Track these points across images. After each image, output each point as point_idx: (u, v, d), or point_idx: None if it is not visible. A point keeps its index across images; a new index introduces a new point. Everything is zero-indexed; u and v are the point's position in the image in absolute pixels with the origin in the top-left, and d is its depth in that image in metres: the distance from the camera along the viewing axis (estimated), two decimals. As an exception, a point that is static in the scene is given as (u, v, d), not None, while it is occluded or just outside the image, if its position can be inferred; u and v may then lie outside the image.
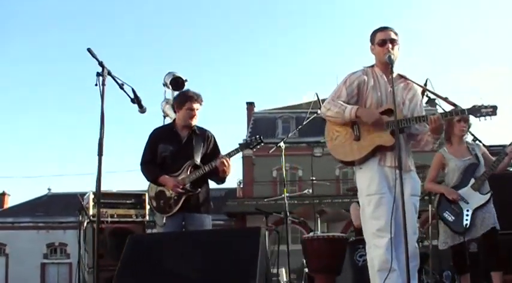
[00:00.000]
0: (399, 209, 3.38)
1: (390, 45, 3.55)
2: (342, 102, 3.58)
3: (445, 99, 3.55)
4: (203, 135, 4.52)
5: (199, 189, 4.32)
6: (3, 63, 44.25)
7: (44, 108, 46.41)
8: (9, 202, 33.00)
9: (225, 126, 41.95)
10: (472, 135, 5.13)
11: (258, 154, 23.00)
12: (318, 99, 5.67)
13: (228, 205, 25.15)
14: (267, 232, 5.89)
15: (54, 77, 45.03)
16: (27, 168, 45.48)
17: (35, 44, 44.46)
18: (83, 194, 6.37)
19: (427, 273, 5.40)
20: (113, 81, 3.29)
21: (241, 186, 28.51)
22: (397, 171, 3.31)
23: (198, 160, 4.37)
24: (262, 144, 4.39)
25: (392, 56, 3.47)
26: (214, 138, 4.60)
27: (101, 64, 3.09)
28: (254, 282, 2.11)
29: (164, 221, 4.26)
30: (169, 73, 7.11)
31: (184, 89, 4.51)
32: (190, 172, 4.31)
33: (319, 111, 4.40)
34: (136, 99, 3.41)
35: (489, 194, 4.53)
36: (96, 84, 3.09)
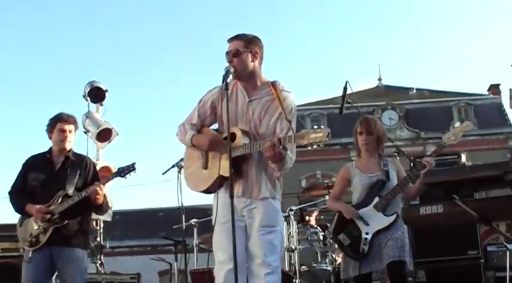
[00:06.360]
0: (251, 239, 3.24)
1: (232, 58, 3.29)
2: (187, 127, 3.38)
3: None
4: (80, 162, 4.22)
5: (67, 221, 4.00)
6: None
7: None
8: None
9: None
10: (397, 147, 4.53)
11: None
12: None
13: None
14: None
15: None
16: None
17: None
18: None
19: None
20: None
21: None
22: (229, 200, 3.04)
23: (70, 189, 4.06)
24: (135, 171, 4.11)
25: (231, 70, 3.22)
26: (94, 165, 4.35)
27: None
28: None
29: (30, 255, 3.97)
30: (88, 83, 6.63)
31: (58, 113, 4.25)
32: (61, 202, 4.01)
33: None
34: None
35: (394, 216, 3.87)
36: None
